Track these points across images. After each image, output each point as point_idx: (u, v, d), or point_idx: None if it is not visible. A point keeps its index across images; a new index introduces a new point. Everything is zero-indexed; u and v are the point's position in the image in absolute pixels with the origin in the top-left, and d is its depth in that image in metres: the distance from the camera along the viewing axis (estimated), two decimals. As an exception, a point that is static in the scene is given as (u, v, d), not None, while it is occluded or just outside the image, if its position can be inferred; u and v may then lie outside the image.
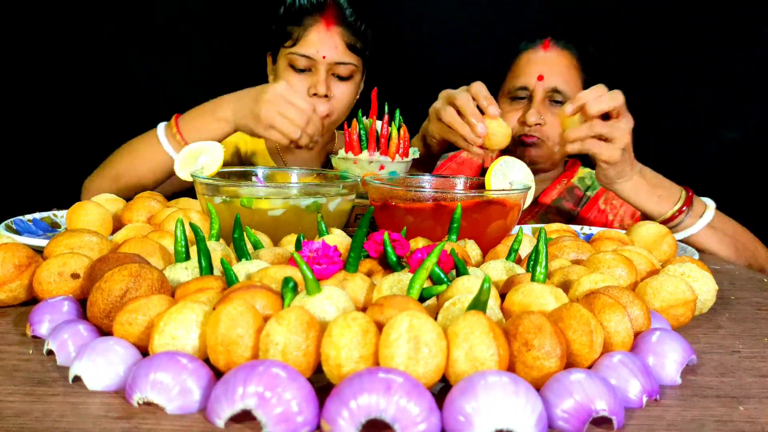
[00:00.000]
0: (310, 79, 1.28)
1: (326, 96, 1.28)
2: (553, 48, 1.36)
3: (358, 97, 1.39)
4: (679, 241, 0.99)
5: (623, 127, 0.96)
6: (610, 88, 0.96)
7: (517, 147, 1.37)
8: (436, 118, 1.08)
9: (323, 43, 1.26)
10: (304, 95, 1.11)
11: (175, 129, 1.11)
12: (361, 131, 0.96)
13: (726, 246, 1.05)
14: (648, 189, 1.03)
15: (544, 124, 1.33)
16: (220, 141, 1.05)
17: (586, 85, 1.36)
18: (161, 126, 1.14)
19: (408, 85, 1.67)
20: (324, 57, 1.25)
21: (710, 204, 1.06)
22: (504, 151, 1.44)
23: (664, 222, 1.03)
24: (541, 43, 1.37)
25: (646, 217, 1.07)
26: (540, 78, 1.33)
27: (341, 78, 1.30)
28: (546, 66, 1.34)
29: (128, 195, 1.08)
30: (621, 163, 0.98)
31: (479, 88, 1.02)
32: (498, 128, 0.99)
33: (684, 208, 1.02)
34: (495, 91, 1.49)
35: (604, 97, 0.95)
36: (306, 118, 1.05)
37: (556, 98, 1.33)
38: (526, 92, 1.35)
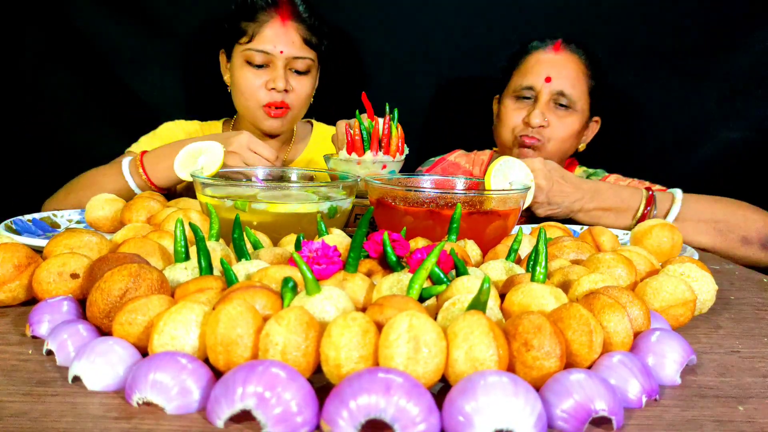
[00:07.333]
0: (268, 75, 1.31)
1: (285, 90, 1.31)
2: (563, 50, 1.36)
3: (314, 91, 1.41)
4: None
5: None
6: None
7: (517, 147, 1.37)
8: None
9: (280, 38, 1.29)
10: (268, 145, 1.13)
11: (140, 167, 1.14)
12: (363, 132, 0.96)
13: (704, 233, 1.06)
14: (600, 213, 1.08)
15: (548, 126, 1.33)
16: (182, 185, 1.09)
17: (592, 91, 1.37)
18: (126, 161, 1.16)
19: (405, 83, 1.67)
20: (282, 52, 1.29)
21: (678, 196, 1.08)
22: (501, 151, 1.44)
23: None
24: (552, 44, 1.37)
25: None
26: (548, 80, 1.33)
27: (299, 72, 1.33)
28: (555, 68, 1.34)
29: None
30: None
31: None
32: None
33: (648, 210, 1.05)
34: (495, 88, 1.49)
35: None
36: (269, 167, 1.05)
37: (561, 101, 1.33)
38: (532, 92, 1.35)
